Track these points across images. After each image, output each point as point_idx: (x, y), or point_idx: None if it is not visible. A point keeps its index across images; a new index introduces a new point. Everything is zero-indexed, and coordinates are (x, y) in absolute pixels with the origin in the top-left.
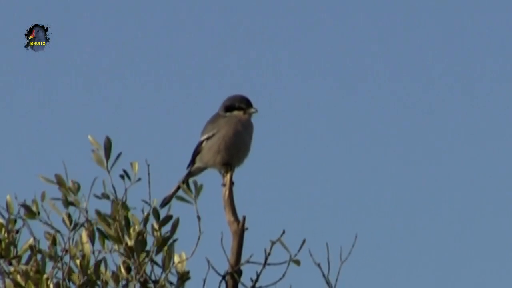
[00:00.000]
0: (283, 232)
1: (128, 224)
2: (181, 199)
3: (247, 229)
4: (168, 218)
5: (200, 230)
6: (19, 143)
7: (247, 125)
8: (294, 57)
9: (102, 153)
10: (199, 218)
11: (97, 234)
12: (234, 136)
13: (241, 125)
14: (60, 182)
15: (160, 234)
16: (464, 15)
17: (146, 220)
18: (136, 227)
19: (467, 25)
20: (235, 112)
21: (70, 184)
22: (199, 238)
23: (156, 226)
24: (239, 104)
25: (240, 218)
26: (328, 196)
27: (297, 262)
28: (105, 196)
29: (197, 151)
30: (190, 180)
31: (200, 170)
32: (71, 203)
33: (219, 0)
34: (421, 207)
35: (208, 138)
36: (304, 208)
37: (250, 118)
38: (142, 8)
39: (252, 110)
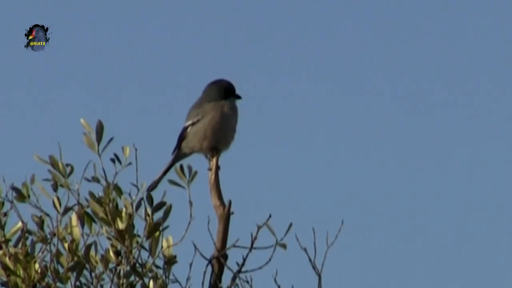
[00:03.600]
0: (270, 216)
1: (117, 207)
2: (174, 183)
3: (233, 213)
4: (162, 204)
5: (191, 215)
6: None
7: (234, 109)
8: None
9: (93, 136)
10: (191, 203)
11: (85, 218)
12: (221, 121)
13: (228, 109)
14: (53, 164)
15: (153, 220)
16: (464, 16)
17: (138, 205)
18: (129, 210)
19: (468, 26)
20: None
21: (61, 167)
22: (189, 224)
23: (149, 212)
24: (233, 91)
25: (226, 203)
26: (315, 181)
27: (284, 246)
28: (95, 179)
29: (182, 137)
30: (185, 165)
31: (186, 155)
32: (61, 186)
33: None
34: (409, 193)
35: (193, 124)
36: (291, 192)
37: (235, 103)
38: (142, 8)
39: (239, 96)
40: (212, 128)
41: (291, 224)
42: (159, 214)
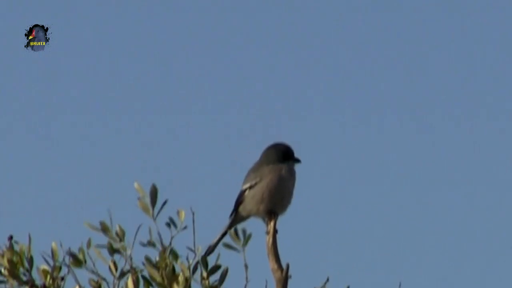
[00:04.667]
0: (327, 279)
1: (173, 271)
2: (229, 246)
3: (290, 277)
4: (217, 267)
5: (247, 279)
6: (64, 189)
7: (292, 172)
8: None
9: (147, 200)
10: (246, 266)
11: (142, 282)
12: (279, 184)
13: (286, 172)
14: (104, 229)
15: (209, 283)
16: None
17: (195, 268)
18: (185, 274)
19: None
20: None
21: (115, 230)
22: (245, 287)
23: (204, 275)
24: (292, 155)
25: (284, 266)
26: (372, 244)
27: None
28: (151, 243)
29: (239, 200)
30: (239, 228)
31: (243, 218)
32: (117, 250)
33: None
34: (470, 256)
35: (251, 187)
36: (348, 255)
37: (293, 167)
38: (143, 8)
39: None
40: (269, 192)
41: (348, 287)
42: (215, 278)
